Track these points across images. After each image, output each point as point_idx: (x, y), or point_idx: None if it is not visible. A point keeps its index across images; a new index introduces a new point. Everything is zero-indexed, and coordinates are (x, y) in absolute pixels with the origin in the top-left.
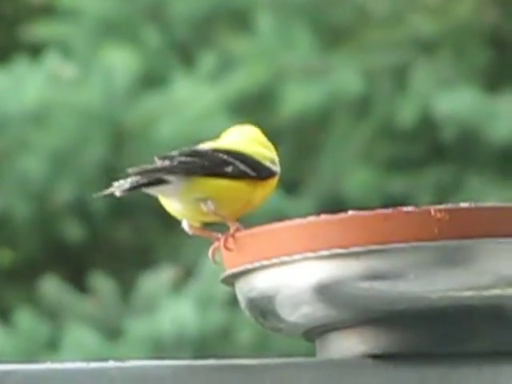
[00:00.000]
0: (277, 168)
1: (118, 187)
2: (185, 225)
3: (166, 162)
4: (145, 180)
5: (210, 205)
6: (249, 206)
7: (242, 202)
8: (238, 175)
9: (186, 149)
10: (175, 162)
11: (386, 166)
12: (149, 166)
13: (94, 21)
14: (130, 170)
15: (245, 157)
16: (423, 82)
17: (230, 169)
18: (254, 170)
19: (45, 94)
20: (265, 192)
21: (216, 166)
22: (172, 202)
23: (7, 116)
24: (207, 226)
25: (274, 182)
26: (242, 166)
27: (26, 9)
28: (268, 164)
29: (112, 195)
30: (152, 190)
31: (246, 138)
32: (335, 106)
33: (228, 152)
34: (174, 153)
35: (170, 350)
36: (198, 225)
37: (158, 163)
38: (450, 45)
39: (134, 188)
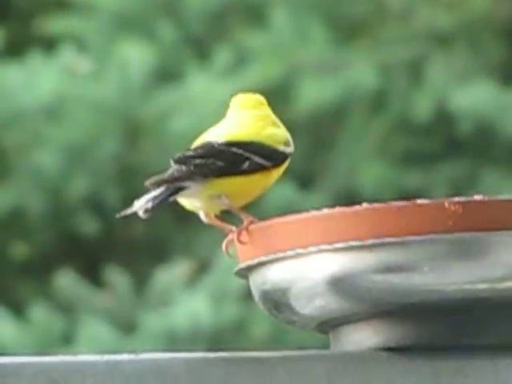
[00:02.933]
0: (290, 148)
1: (141, 207)
2: (201, 214)
3: (183, 168)
4: (163, 196)
5: (225, 200)
6: (264, 190)
7: (258, 193)
8: (256, 169)
9: (201, 146)
10: (191, 167)
11: (401, 161)
12: (165, 176)
13: (109, 15)
14: (147, 183)
15: (261, 147)
16: (439, 75)
17: (246, 165)
18: (270, 160)
19: (59, 88)
20: (278, 174)
21: (233, 164)
22: (188, 199)
23: (22, 110)
24: (223, 213)
25: (287, 162)
26: (258, 159)
27: (41, 2)
28: (282, 148)
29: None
30: (172, 198)
31: (256, 118)
32: (350, 101)
33: (243, 145)
34: (190, 153)
35: (185, 344)
36: (213, 214)
37: (174, 168)
38: (466, 38)
39: (157, 206)
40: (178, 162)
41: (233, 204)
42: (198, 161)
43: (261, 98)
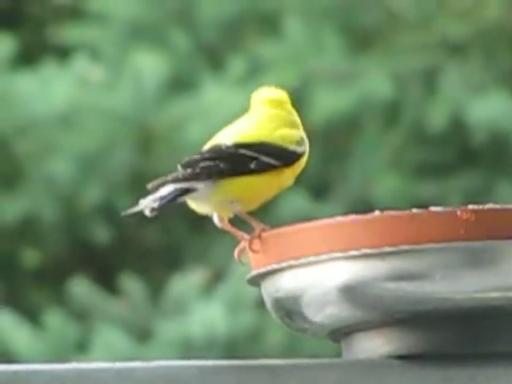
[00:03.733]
0: (303, 148)
1: (147, 206)
2: (214, 217)
3: (189, 171)
4: (172, 195)
5: (237, 206)
6: (279, 190)
7: (271, 193)
8: (262, 168)
9: (208, 149)
10: (197, 169)
11: (416, 171)
12: (169, 178)
13: (123, 24)
14: (149, 186)
15: (269, 147)
16: (453, 85)
17: (253, 165)
18: (279, 159)
19: (73, 96)
20: (294, 173)
21: (239, 164)
22: (198, 203)
23: (36, 118)
24: (236, 218)
25: (302, 161)
26: (266, 158)
27: (54, 11)
28: (293, 148)
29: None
30: (179, 200)
31: (270, 118)
32: (365, 111)
33: (251, 146)
34: (197, 156)
35: (200, 353)
36: (226, 219)
37: (180, 172)
38: (480, 48)
39: (163, 206)
40: (185, 165)
41: (245, 208)
42: (203, 163)
43: (281, 96)
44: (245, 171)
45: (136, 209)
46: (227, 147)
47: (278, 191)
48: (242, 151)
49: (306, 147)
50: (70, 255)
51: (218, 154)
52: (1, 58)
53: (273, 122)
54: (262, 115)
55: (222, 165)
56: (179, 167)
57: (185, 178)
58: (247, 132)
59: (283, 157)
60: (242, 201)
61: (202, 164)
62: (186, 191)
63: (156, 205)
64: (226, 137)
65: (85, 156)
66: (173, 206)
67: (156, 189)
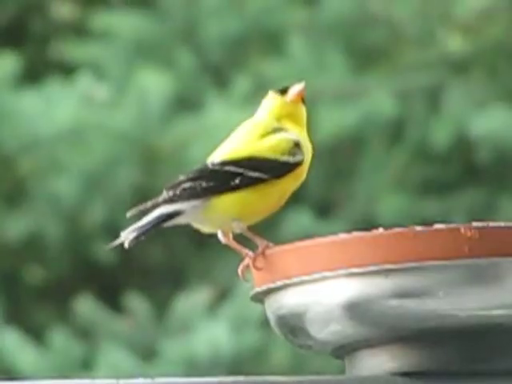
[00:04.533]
0: (299, 156)
1: (126, 238)
2: (219, 234)
3: (170, 193)
4: (152, 223)
5: (239, 224)
6: (282, 199)
7: (272, 204)
8: (250, 183)
9: (193, 169)
10: (178, 191)
11: (420, 189)
12: (148, 204)
13: (127, 42)
14: (128, 215)
15: (257, 161)
16: (457, 103)
17: (238, 180)
18: (268, 172)
19: (77, 115)
20: (296, 180)
21: (223, 182)
22: (201, 225)
23: (40, 137)
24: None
25: (301, 169)
26: (253, 173)
27: (59, 29)
28: (285, 158)
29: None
30: (167, 224)
31: (263, 125)
32: (369, 129)
33: (237, 162)
34: (182, 177)
35: (205, 372)
36: (231, 235)
37: (162, 196)
38: (483, 65)
39: (142, 235)
40: (168, 188)
41: (247, 223)
42: (187, 184)
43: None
44: (229, 188)
45: (117, 241)
46: (213, 165)
47: (281, 201)
48: (228, 168)
49: (304, 153)
50: (73, 273)
51: (203, 173)
52: (5, 76)
53: (265, 131)
54: (256, 126)
55: (204, 184)
56: (164, 190)
57: (165, 202)
58: (236, 147)
59: (274, 169)
60: (241, 217)
61: (184, 185)
62: (170, 216)
63: (134, 235)
64: (217, 154)
65: (89, 174)
66: (161, 230)
67: (139, 217)
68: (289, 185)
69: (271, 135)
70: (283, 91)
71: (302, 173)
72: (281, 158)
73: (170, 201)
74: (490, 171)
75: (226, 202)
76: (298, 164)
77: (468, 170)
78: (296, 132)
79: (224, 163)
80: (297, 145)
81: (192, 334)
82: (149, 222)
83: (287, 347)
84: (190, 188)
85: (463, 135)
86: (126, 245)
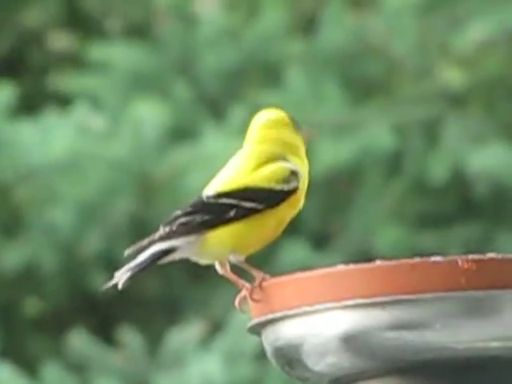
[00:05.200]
0: (294, 183)
1: (121, 278)
2: (216, 265)
3: (166, 229)
4: (147, 262)
5: (235, 256)
6: (279, 228)
7: (268, 234)
8: (245, 214)
9: (189, 203)
10: (174, 227)
11: (417, 222)
12: (145, 242)
13: (124, 73)
14: (126, 253)
15: (252, 191)
16: (454, 136)
17: (233, 213)
18: (263, 202)
19: (74, 145)
20: (293, 208)
21: (218, 215)
22: (198, 259)
23: (36, 167)
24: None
25: (297, 195)
26: (248, 204)
27: (55, 59)
28: (280, 187)
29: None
30: (163, 261)
31: (256, 154)
32: (366, 161)
33: (232, 193)
34: (178, 212)
35: None
36: (228, 266)
37: (158, 232)
38: (482, 98)
39: (136, 274)
40: (165, 224)
41: (245, 253)
42: (182, 219)
43: (278, 118)
44: (224, 220)
45: (112, 282)
46: (208, 198)
47: (278, 230)
48: (223, 200)
49: (300, 180)
50: (69, 304)
51: (198, 207)
52: (2, 106)
53: (257, 160)
54: (247, 155)
55: (198, 218)
56: (161, 226)
57: (161, 239)
58: (231, 178)
59: (268, 199)
60: (237, 249)
61: (179, 220)
62: (166, 253)
63: (127, 275)
64: (212, 187)
65: (85, 204)
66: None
67: (134, 255)
68: (285, 213)
69: (268, 164)
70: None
71: (299, 200)
72: (275, 186)
73: (166, 237)
74: (487, 206)
75: (221, 235)
76: (292, 192)
77: (465, 204)
78: (295, 161)
79: (218, 195)
80: (293, 173)
81: (185, 367)
82: (143, 261)
83: (282, 380)
84: (186, 223)
85: (460, 169)
86: (120, 286)
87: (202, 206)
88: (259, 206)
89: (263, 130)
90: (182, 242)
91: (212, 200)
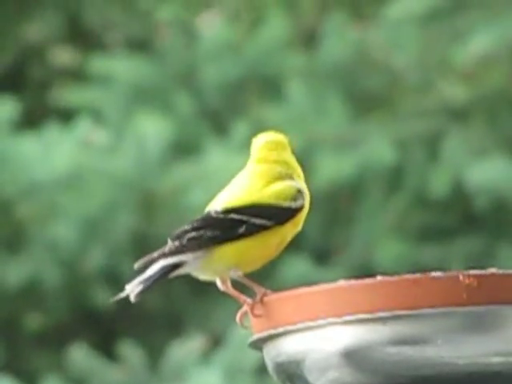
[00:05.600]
0: (300, 201)
1: (132, 291)
2: (217, 281)
3: (176, 243)
4: (157, 275)
5: (236, 272)
6: (280, 247)
7: (271, 251)
8: (253, 231)
9: (198, 218)
10: (184, 241)
11: (418, 236)
12: (155, 255)
13: (126, 87)
14: (136, 266)
15: (260, 208)
16: (455, 151)
17: (242, 229)
18: (272, 219)
19: (76, 160)
20: (296, 227)
21: (227, 231)
22: (199, 274)
23: (38, 182)
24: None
25: (302, 214)
26: (258, 220)
27: (57, 74)
28: (287, 204)
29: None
30: (171, 275)
31: (263, 175)
32: (367, 176)
33: (241, 209)
34: (187, 227)
35: None
36: (229, 282)
37: (167, 246)
38: (482, 113)
39: (148, 288)
40: (174, 238)
41: (246, 270)
42: (192, 234)
43: (278, 140)
44: (234, 237)
45: (122, 294)
46: (217, 213)
47: (280, 247)
48: (232, 216)
49: (305, 199)
50: (71, 320)
51: (207, 222)
52: (3, 121)
53: (265, 178)
54: (255, 173)
55: (209, 233)
56: (169, 240)
57: (171, 253)
58: (239, 195)
59: (277, 215)
60: (240, 266)
61: (189, 235)
62: (174, 267)
63: (140, 288)
64: (218, 202)
65: (87, 220)
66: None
67: (144, 268)
68: (288, 232)
69: (276, 182)
70: None
71: (300, 220)
72: (283, 203)
73: (176, 252)
74: (489, 219)
75: (228, 251)
76: (299, 209)
77: (466, 218)
78: (299, 181)
79: (227, 211)
80: (299, 191)
81: (186, 381)
82: (154, 274)
83: None
84: (195, 238)
85: (462, 183)
86: (133, 299)
87: (212, 221)
88: (268, 223)
89: (264, 151)
90: (190, 256)
91: (221, 215)
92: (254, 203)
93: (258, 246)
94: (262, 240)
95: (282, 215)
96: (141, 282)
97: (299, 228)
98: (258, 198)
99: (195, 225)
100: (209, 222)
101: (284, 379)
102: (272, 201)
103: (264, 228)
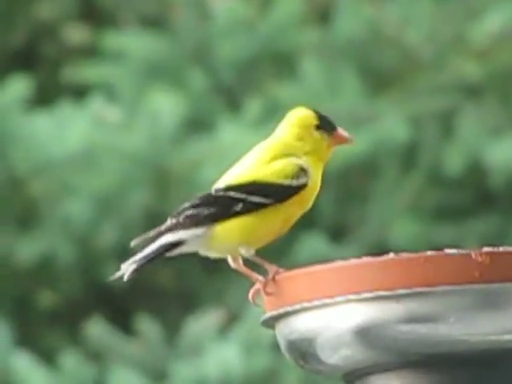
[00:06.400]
0: (303, 179)
1: (127, 270)
2: (229, 259)
3: (173, 221)
4: (154, 253)
5: (247, 250)
6: (286, 224)
7: (277, 229)
8: (252, 208)
9: (197, 196)
10: (181, 219)
11: (433, 215)
12: (151, 233)
13: (139, 63)
14: (132, 244)
15: (260, 186)
16: (470, 128)
17: (239, 207)
18: (271, 197)
19: (89, 137)
20: (302, 204)
21: (224, 208)
22: (206, 252)
23: (51, 159)
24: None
25: (306, 195)
26: (256, 198)
27: (70, 51)
28: (288, 182)
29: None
30: (170, 254)
31: (271, 148)
32: (382, 154)
33: (241, 187)
34: (186, 204)
35: None
36: (241, 260)
37: (165, 224)
38: (497, 89)
39: (143, 266)
40: (172, 216)
41: (254, 247)
42: (189, 212)
43: (303, 119)
44: (231, 214)
45: (118, 274)
46: (217, 191)
47: (286, 226)
48: (230, 194)
49: (309, 177)
50: (85, 296)
51: (205, 199)
52: (17, 99)
53: (269, 156)
54: (260, 151)
55: (206, 211)
56: (168, 218)
57: (167, 230)
58: (241, 173)
59: (276, 193)
60: (245, 243)
61: (186, 213)
62: (173, 245)
63: (134, 267)
64: (222, 180)
65: (101, 196)
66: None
67: (141, 247)
68: (293, 210)
69: (278, 159)
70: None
71: (307, 200)
72: (284, 181)
73: (172, 229)
74: (504, 197)
75: (229, 229)
76: (301, 187)
77: (481, 196)
78: (307, 161)
79: (227, 189)
80: (302, 169)
81: (203, 356)
82: (150, 253)
83: (298, 370)
84: (192, 216)
85: (477, 161)
86: (126, 278)
87: (209, 199)
88: (267, 201)
89: (287, 127)
90: (189, 234)
91: (220, 193)
92: (253, 181)
93: (259, 224)
94: (263, 218)
95: (282, 193)
96: (135, 261)
97: (308, 206)
98: (258, 176)
99: (194, 202)
100: (206, 199)
101: (296, 357)
102: (272, 179)
103: (262, 206)
